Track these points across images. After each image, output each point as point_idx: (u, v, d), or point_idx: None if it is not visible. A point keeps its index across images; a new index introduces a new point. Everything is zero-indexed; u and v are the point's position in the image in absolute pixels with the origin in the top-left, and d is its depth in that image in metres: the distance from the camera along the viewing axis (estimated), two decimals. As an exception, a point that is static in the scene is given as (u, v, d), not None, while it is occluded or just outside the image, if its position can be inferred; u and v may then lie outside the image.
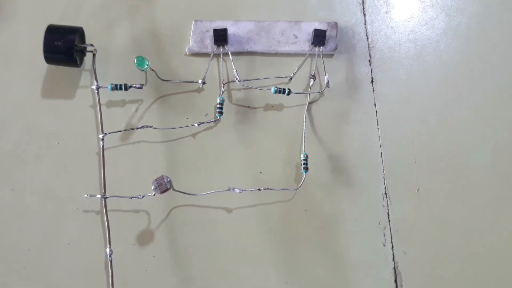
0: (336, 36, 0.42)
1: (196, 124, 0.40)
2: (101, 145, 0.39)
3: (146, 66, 0.38)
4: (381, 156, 0.39)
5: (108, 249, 0.36)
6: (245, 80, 0.41)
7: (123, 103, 0.41)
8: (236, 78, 0.40)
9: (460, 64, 0.42)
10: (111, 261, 0.36)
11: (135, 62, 0.38)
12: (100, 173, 0.39)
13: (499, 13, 0.44)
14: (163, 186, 0.33)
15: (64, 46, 0.38)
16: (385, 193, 0.38)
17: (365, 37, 0.43)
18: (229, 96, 0.41)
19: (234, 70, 0.41)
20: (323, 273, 0.37)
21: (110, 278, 0.36)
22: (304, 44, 0.42)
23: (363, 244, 0.37)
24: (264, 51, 0.42)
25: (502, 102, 0.41)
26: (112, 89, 0.39)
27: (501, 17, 0.44)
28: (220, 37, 0.42)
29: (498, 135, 0.40)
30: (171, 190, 0.34)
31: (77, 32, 0.39)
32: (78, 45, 0.39)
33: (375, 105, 0.41)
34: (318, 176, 0.39)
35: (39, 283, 0.37)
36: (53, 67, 0.41)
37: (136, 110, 0.41)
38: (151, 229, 0.38)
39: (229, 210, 0.38)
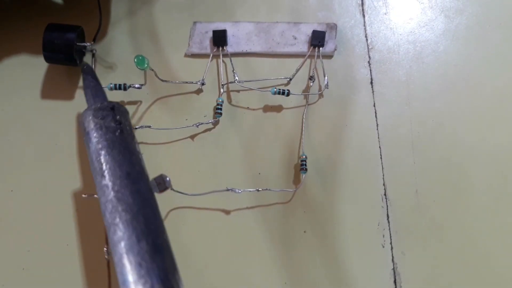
0: (335, 37, 0.42)
1: (195, 125, 0.40)
2: (100, 146, 0.39)
3: (146, 65, 0.39)
4: (380, 157, 0.39)
5: (105, 248, 0.36)
6: (244, 81, 0.41)
7: (122, 103, 0.41)
8: (236, 79, 0.41)
9: (459, 65, 0.42)
10: (108, 261, 0.36)
11: (135, 61, 0.38)
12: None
13: (498, 15, 0.44)
14: (162, 185, 0.33)
15: (64, 45, 0.38)
16: (384, 194, 0.38)
17: (364, 38, 0.43)
18: (228, 97, 0.42)
19: (233, 71, 0.41)
20: (322, 274, 0.37)
21: (107, 277, 0.36)
22: (303, 45, 0.42)
23: (362, 245, 0.37)
24: (263, 52, 0.42)
25: (502, 104, 0.41)
26: (111, 89, 0.39)
27: (501, 18, 0.44)
28: (220, 38, 0.42)
29: (498, 136, 0.40)
30: (169, 189, 0.33)
31: (77, 31, 0.39)
32: (77, 44, 0.39)
33: (374, 106, 0.41)
34: (317, 177, 0.39)
35: (39, 284, 0.37)
36: (53, 66, 0.41)
37: (135, 110, 0.41)
38: (150, 229, 0.38)
39: (228, 211, 0.38)
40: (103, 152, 0.31)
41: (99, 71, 0.42)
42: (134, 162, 0.31)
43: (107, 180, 0.29)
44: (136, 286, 0.26)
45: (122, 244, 0.28)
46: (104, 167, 0.30)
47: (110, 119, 0.32)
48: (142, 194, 0.29)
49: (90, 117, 0.32)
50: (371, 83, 0.42)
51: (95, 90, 0.37)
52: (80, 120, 0.33)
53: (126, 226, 0.28)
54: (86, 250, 0.38)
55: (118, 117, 0.32)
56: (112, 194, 0.29)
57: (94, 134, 0.31)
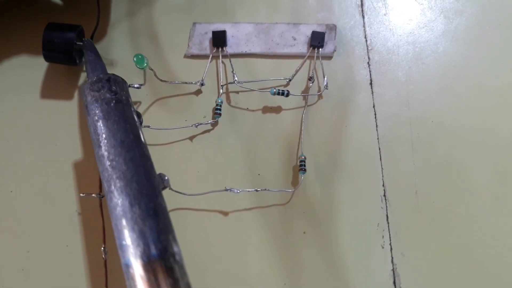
0: (334, 38, 0.42)
1: (194, 126, 0.40)
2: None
3: (145, 64, 0.39)
4: (380, 158, 0.39)
5: (102, 248, 0.36)
6: (243, 82, 0.41)
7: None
8: (235, 80, 0.41)
9: (458, 66, 0.42)
10: (105, 260, 0.36)
11: (134, 60, 0.38)
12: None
13: (498, 15, 0.44)
14: (160, 184, 0.33)
15: (64, 44, 0.38)
16: (384, 195, 0.38)
17: (364, 39, 0.43)
18: (228, 98, 0.42)
19: (233, 72, 0.41)
20: (321, 275, 0.36)
21: (104, 276, 0.36)
22: (302, 46, 0.42)
23: (361, 246, 0.37)
24: (262, 53, 0.42)
25: (501, 104, 0.41)
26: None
27: (500, 19, 0.44)
28: (219, 39, 0.42)
29: (497, 137, 0.40)
30: (168, 188, 0.33)
31: (77, 30, 0.39)
32: (77, 43, 0.39)
33: (373, 107, 0.41)
34: (317, 178, 0.39)
35: (38, 285, 0.37)
36: (52, 65, 0.41)
37: (135, 111, 0.41)
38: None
39: (226, 212, 0.38)
40: (99, 124, 0.32)
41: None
42: (128, 130, 0.32)
43: (103, 150, 0.31)
44: (129, 249, 0.28)
45: (117, 210, 0.29)
46: (100, 138, 0.31)
47: (105, 91, 0.33)
48: (135, 161, 0.30)
49: (88, 91, 0.33)
50: (371, 84, 0.42)
51: (94, 64, 0.38)
52: (80, 96, 0.35)
53: (120, 192, 0.29)
54: (85, 251, 0.38)
55: (114, 88, 0.33)
56: (107, 163, 0.30)
57: (91, 107, 0.33)
